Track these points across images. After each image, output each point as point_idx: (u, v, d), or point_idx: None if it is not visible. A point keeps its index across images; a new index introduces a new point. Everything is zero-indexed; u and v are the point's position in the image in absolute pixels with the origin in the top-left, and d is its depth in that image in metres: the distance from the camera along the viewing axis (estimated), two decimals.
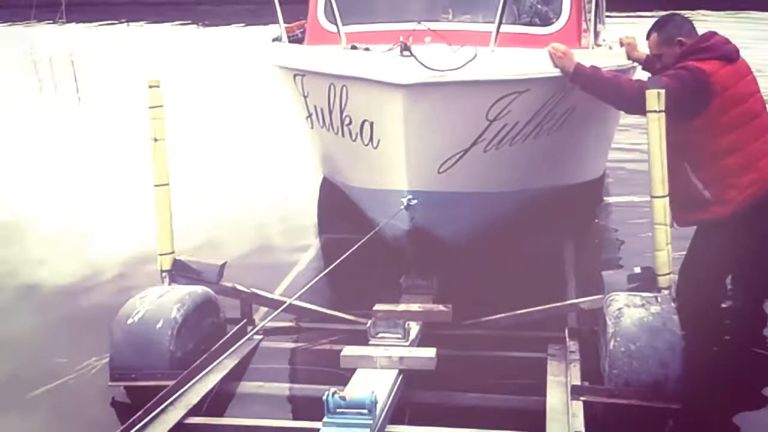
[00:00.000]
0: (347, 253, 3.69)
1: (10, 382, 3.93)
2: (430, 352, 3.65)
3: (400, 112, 3.67)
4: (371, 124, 3.89)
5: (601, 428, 3.29)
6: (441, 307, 4.15)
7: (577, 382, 3.43)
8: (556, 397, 3.35)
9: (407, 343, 3.75)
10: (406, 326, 3.79)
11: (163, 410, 3.30)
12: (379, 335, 3.79)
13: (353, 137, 4.05)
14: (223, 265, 4.24)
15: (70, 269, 5.28)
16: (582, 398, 3.30)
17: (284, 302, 4.27)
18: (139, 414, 3.18)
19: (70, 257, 5.50)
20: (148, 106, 4.11)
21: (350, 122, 4.03)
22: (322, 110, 4.22)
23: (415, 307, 4.16)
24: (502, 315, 4.09)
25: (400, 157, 3.82)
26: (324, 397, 3.08)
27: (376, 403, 3.08)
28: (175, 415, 3.30)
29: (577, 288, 4.57)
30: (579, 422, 3.13)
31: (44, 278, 5.17)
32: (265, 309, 4.32)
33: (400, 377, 3.54)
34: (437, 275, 4.35)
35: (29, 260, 5.47)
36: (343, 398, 3.09)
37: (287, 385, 3.71)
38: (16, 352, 4.24)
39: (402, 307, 4.17)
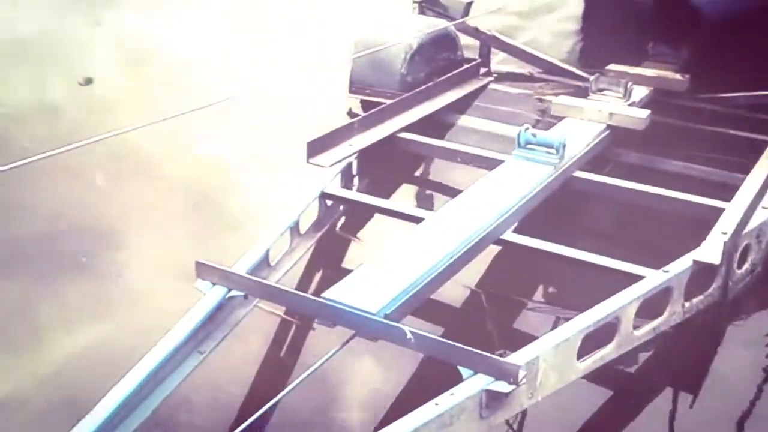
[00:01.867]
0: None
1: None
2: (643, 113, 3.61)
3: None
4: None
5: None
6: (677, 76, 4.00)
7: None
8: (760, 173, 3.12)
9: (626, 103, 3.72)
10: (628, 86, 3.74)
11: (381, 122, 3.68)
12: (601, 91, 3.80)
13: None
14: (469, 4, 4.37)
15: None
16: None
17: (522, 49, 4.39)
18: (358, 118, 3.58)
19: None
20: None
21: None
22: None
23: (650, 72, 4.05)
24: (742, 94, 3.86)
25: None
26: (517, 133, 3.25)
27: (564, 145, 3.18)
28: (391, 127, 3.66)
29: None
30: None
31: None
32: (504, 55, 4.45)
33: (606, 132, 3.56)
34: (686, 46, 4.14)
35: None
36: (534, 135, 3.24)
37: (500, 124, 3.87)
38: None
39: (636, 70, 4.08)
